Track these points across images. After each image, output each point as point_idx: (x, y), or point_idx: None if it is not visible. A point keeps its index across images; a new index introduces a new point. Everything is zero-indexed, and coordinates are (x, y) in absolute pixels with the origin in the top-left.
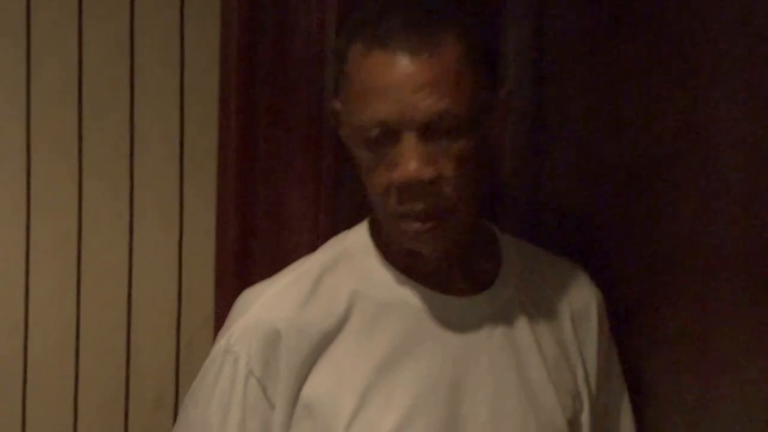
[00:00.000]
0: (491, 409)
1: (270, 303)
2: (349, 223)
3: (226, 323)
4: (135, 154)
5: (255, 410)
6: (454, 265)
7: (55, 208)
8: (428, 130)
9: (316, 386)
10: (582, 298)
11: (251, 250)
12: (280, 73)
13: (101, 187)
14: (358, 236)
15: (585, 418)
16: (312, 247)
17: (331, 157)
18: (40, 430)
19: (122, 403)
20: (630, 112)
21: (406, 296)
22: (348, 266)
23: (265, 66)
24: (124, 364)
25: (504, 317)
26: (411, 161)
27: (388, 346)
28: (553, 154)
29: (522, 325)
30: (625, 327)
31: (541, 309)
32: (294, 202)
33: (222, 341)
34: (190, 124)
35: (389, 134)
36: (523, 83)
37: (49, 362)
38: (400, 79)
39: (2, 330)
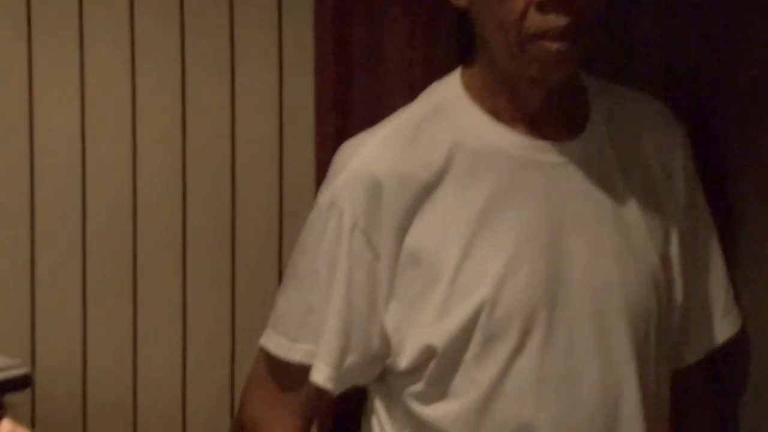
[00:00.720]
0: (590, 248)
1: (371, 154)
2: (444, 71)
3: (328, 176)
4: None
5: (361, 261)
6: (550, 110)
7: (159, 55)
8: None
9: (419, 237)
10: (667, 134)
11: (349, 99)
12: None
13: (202, 34)
14: (452, 88)
15: (674, 250)
16: (408, 96)
17: (427, 3)
18: (150, 265)
19: (229, 248)
20: None
21: (504, 144)
22: (445, 117)
23: None
24: (229, 209)
25: (597, 159)
26: None
27: (488, 194)
28: None
29: (613, 164)
30: (709, 162)
31: (630, 147)
32: (390, 49)
33: (326, 195)
34: None
35: None
36: None
37: (157, 207)
38: None
39: (112, 178)
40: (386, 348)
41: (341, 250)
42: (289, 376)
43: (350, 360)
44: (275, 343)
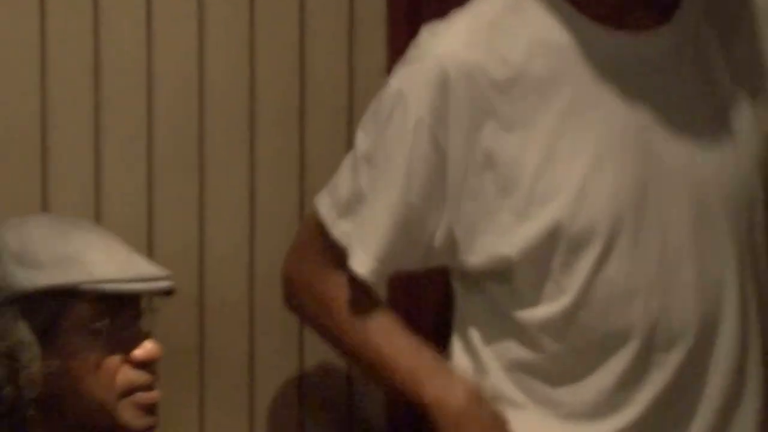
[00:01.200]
0: (685, 142)
1: (447, 47)
2: None
3: (406, 58)
4: None
5: (423, 158)
6: None
7: None
8: None
9: (496, 138)
10: None
11: None
12: None
13: None
14: None
15: None
16: None
17: None
18: (217, 145)
19: (297, 124)
20: None
21: (589, 38)
22: (527, 8)
23: None
24: (297, 86)
25: (692, 39)
26: None
27: (571, 93)
28: None
29: (710, 40)
30: None
31: (723, 13)
32: None
33: (396, 80)
34: None
35: None
36: None
37: (225, 85)
38: None
39: (179, 54)
40: (449, 246)
41: (402, 145)
42: (336, 243)
43: (397, 257)
44: (327, 209)
